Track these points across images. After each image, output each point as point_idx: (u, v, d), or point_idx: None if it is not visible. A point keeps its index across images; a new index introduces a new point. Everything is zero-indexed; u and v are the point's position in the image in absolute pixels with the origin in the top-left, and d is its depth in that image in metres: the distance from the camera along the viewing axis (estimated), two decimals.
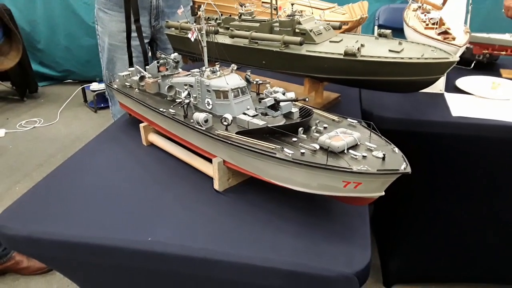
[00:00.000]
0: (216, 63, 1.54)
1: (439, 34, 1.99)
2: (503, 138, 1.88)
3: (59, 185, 1.48)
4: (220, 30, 2.12)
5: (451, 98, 2.13)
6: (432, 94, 2.15)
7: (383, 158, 1.10)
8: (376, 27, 4.54)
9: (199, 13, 1.72)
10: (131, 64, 2.57)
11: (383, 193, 1.12)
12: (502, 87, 2.22)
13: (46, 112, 5.28)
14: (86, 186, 1.46)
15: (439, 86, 2.17)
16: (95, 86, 5.30)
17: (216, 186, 1.40)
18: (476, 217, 2.16)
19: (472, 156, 1.98)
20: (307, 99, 1.41)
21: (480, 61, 2.45)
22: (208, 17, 2.24)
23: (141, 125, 1.73)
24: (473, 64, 2.45)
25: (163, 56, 1.78)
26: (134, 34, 2.58)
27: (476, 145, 1.94)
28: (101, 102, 5.26)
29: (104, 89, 4.86)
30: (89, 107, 5.43)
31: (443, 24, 2.07)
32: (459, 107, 2.02)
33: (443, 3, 2.13)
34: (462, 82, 2.28)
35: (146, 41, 2.69)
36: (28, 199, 1.42)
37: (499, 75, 2.46)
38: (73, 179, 1.51)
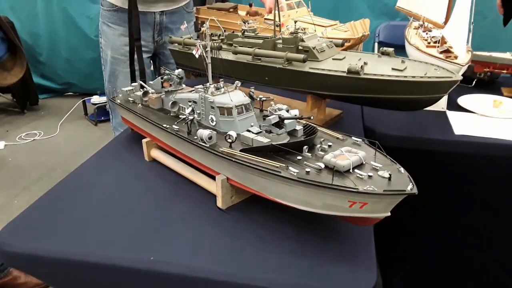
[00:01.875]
0: (220, 79, 1.55)
1: (441, 52, 2.01)
2: (505, 156, 1.88)
3: (60, 202, 1.46)
4: (224, 46, 2.13)
5: (453, 116, 2.13)
6: (434, 112, 2.15)
7: (389, 178, 1.09)
8: (376, 44, 4.57)
9: (202, 29, 1.73)
10: (133, 80, 2.58)
11: (389, 214, 1.11)
12: (504, 105, 2.22)
13: (46, 125, 5.28)
14: (87, 203, 1.45)
15: (441, 104, 2.18)
16: (96, 99, 5.31)
17: (219, 203, 1.38)
18: (479, 235, 2.14)
19: (475, 175, 1.98)
20: (311, 117, 1.41)
21: (482, 79, 2.47)
22: (212, 33, 2.26)
23: (144, 140, 1.73)
24: (474, 82, 2.46)
25: (167, 72, 1.79)
26: None
27: (478, 164, 1.94)
28: (101, 115, 5.27)
29: (105, 102, 4.87)
30: (90, 120, 5.44)
31: (445, 43, 2.08)
32: (461, 125, 2.02)
33: (445, 22, 2.15)
34: (464, 100, 2.29)
35: (148, 55, 2.70)
36: (28, 215, 1.40)
37: (500, 93, 2.47)
38: (74, 196, 1.50)
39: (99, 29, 2.71)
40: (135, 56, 2.48)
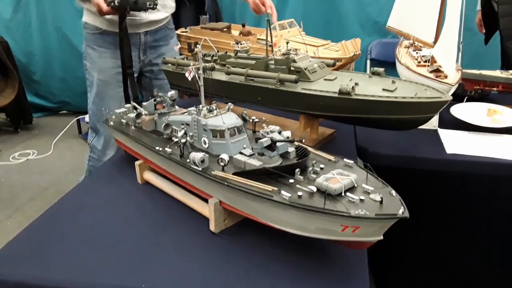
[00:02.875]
0: (213, 101, 1.56)
1: (431, 71, 2.04)
2: (497, 175, 1.89)
3: (51, 228, 1.45)
4: (217, 66, 2.15)
5: (444, 135, 2.15)
6: (426, 130, 2.16)
7: (381, 202, 1.09)
8: (368, 61, 4.63)
9: (195, 49, 1.75)
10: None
11: (382, 237, 1.11)
12: (498, 114, 2.23)
13: (40, 144, 5.25)
14: (79, 228, 1.44)
15: (432, 122, 2.19)
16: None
17: (212, 227, 1.38)
18: (472, 254, 2.14)
19: (467, 193, 1.98)
20: (303, 140, 1.42)
21: (472, 97, 2.50)
22: (205, 54, 2.28)
23: (137, 163, 1.72)
24: (465, 100, 2.49)
25: (160, 94, 1.80)
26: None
27: (470, 183, 1.95)
28: None
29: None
30: (84, 139, 5.41)
31: (435, 62, 2.11)
32: (453, 144, 2.04)
33: (434, 41, 2.19)
34: (456, 109, 2.30)
35: (135, 75, 2.71)
36: (18, 242, 1.38)
37: None
38: (66, 221, 1.48)
39: (83, 52, 2.72)
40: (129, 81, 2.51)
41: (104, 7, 2.27)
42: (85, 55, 2.70)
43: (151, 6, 2.34)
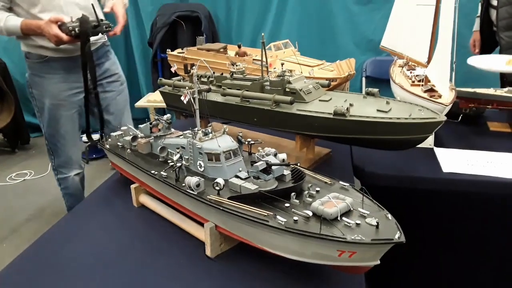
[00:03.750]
0: (209, 125, 1.56)
1: (425, 91, 2.05)
2: (493, 194, 1.89)
3: (45, 254, 1.43)
4: (213, 87, 2.16)
5: (440, 153, 2.15)
6: (422, 148, 2.17)
7: (377, 226, 1.09)
8: (364, 79, 4.68)
9: (191, 71, 1.76)
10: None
11: (379, 262, 1.10)
12: None
13: (37, 164, 5.23)
14: (73, 255, 1.42)
15: (428, 141, 2.20)
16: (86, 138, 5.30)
17: (208, 252, 1.36)
18: (469, 272, 2.12)
19: (463, 212, 1.98)
20: (298, 164, 1.42)
21: (467, 114, 2.51)
22: (201, 75, 2.30)
23: (132, 186, 1.72)
24: (460, 117, 2.50)
25: (155, 117, 1.80)
26: (76, 91, 2.74)
27: (466, 201, 1.95)
28: (93, 153, 5.24)
29: (96, 141, 4.85)
30: (81, 158, 5.39)
31: (429, 81, 2.13)
32: (449, 163, 2.04)
33: (428, 61, 2.21)
34: (474, 60, 2.29)
35: (82, 95, 2.75)
36: (12, 269, 1.37)
37: (487, 128, 2.51)
38: (60, 247, 1.46)
39: (27, 81, 2.76)
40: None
41: (65, 37, 2.34)
42: (30, 83, 2.75)
43: (107, 29, 2.43)
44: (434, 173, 1.96)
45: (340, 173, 1.89)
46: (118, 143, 1.88)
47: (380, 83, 4.32)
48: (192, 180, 1.35)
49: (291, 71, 2.06)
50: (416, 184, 1.95)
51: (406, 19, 2.44)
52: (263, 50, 1.99)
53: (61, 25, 2.35)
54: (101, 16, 2.50)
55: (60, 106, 2.73)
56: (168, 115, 1.81)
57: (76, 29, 2.33)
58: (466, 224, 1.99)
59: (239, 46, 2.87)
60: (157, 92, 3.66)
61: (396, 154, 2.06)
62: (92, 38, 2.51)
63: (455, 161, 2.06)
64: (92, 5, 2.39)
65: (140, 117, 4.97)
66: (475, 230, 1.99)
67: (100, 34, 2.46)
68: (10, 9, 2.51)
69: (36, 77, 2.71)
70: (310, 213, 1.16)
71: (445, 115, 1.91)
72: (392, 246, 1.08)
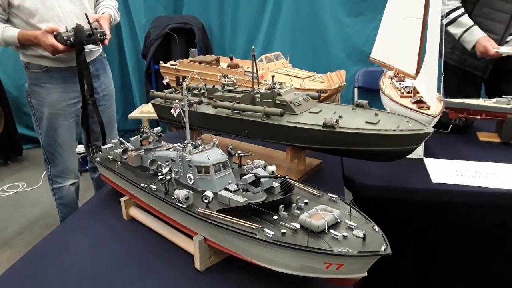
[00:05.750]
0: (199, 138, 1.57)
1: (414, 102, 2.08)
2: (483, 204, 1.90)
3: (34, 268, 1.42)
4: (204, 99, 2.18)
5: (430, 164, 2.17)
6: (412, 159, 2.18)
7: (364, 238, 1.10)
8: (356, 89, 4.72)
9: (184, 84, 1.78)
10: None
11: (366, 274, 1.10)
12: None
13: (29, 176, 5.20)
14: (63, 268, 1.41)
15: (418, 151, 2.22)
16: (80, 148, 5.26)
17: (197, 265, 1.36)
18: (458, 282, 2.12)
19: (452, 222, 1.99)
20: (286, 176, 1.43)
21: (457, 125, 2.53)
22: (192, 87, 2.31)
23: (122, 199, 1.72)
24: (450, 128, 2.53)
25: (145, 130, 1.81)
26: (75, 100, 2.76)
27: (455, 211, 1.96)
28: (85, 164, 5.21)
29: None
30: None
31: (418, 93, 2.15)
32: (438, 173, 2.06)
33: (416, 73, 2.24)
34: None
35: (80, 104, 2.79)
36: (2, 283, 1.35)
37: (476, 138, 2.53)
38: (50, 261, 1.46)
39: (27, 91, 2.79)
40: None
41: (60, 46, 2.37)
42: (29, 93, 2.77)
43: (102, 37, 2.48)
44: (424, 184, 1.97)
45: (330, 184, 1.90)
46: (109, 156, 1.88)
47: (372, 93, 4.35)
48: (181, 193, 1.36)
49: (281, 83, 2.08)
50: (406, 195, 1.96)
51: (394, 32, 2.48)
52: (254, 62, 2.02)
53: (57, 35, 2.38)
54: (96, 25, 2.53)
55: (59, 116, 2.74)
56: (159, 127, 1.82)
57: (71, 38, 2.37)
58: (455, 234, 2.00)
59: (231, 58, 2.89)
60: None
61: (386, 165, 2.07)
62: (88, 47, 2.55)
63: (445, 171, 2.08)
64: (86, 14, 2.41)
65: (134, 128, 4.98)
66: (465, 240, 2.00)
67: (94, 43, 2.49)
68: (7, 21, 2.54)
69: (35, 86, 2.72)
70: (298, 226, 1.16)
71: (435, 125, 1.93)
72: (379, 258, 1.09)
